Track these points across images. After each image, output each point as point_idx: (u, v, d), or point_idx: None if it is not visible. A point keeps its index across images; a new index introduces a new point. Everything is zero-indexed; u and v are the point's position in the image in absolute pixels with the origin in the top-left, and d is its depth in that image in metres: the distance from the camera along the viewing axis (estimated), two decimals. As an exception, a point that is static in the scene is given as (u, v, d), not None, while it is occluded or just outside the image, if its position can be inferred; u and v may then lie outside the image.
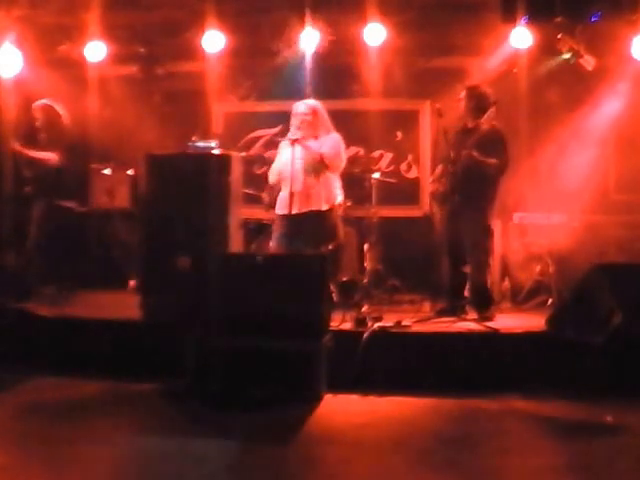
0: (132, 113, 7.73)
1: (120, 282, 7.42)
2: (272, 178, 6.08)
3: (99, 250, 7.88)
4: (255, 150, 7.91)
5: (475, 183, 5.83)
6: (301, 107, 5.98)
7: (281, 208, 5.96)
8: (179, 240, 5.44)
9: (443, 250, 5.99)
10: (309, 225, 5.85)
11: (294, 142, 5.79)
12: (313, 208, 5.88)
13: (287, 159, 5.90)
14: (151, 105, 8.07)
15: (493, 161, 5.79)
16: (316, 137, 5.91)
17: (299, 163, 5.86)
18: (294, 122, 5.96)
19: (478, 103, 5.98)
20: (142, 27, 7.69)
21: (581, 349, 4.79)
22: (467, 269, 5.95)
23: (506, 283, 6.98)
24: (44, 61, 7.58)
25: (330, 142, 5.92)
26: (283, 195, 5.97)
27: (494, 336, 5.24)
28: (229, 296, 4.88)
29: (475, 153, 5.72)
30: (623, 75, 7.19)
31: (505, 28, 7.05)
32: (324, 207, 5.93)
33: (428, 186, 6.65)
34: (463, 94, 6.02)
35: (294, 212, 5.84)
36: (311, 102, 6.06)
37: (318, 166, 5.88)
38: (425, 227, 6.19)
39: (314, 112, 5.95)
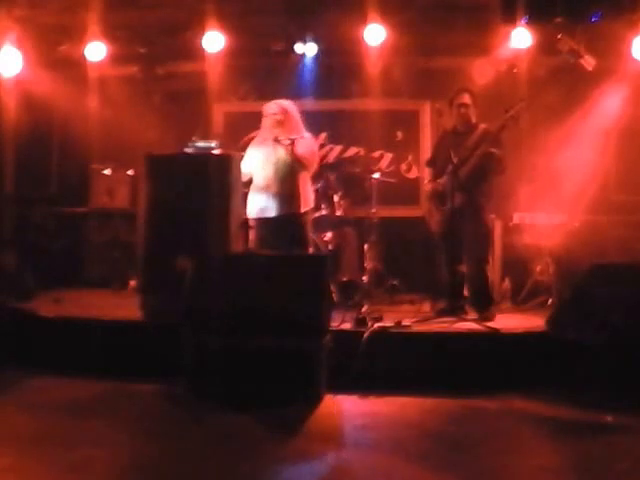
0: (132, 113, 7.73)
1: (120, 282, 7.43)
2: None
3: (99, 250, 7.89)
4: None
5: (477, 182, 5.85)
6: (272, 107, 5.91)
7: (258, 212, 5.93)
8: (179, 240, 5.44)
9: (440, 249, 5.99)
10: (287, 228, 5.83)
11: (275, 142, 5.76)
12: (292, 210, 5.86)
13: (260, 161, 5.87)
14: (151, 105, 8.07)
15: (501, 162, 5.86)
16: (289, 137, 5.79)
17: (276, 165, 5.84)
18: (266, 123, 5.91)
19: (475, 105, 6.03)
20: (142, 27, 7.68)
21: (581, 349, 4.79)
22: (463, 268, 5.96)
23: (506, 283, 6.98)
24: (44, 61, 7.58)
25: (304, 142, 5.88)
26: (258, 198, 5.94)
27: (494, 336, 5.23)
28: (229, 296, 4.88)
29: (494, 149, 5.73)
30: (623, 75, 7.20)
31: (505, 28, 7.06)
32: (303, 209, 5.91)
33: (424, 186, 6.65)
34: (466, 97, 6.01)
35: (273, 215, 5.83)
36: (282, 102, 5.98)
37: (296, 167, 5.85)
38: (425, 227, 6.18)
39: (285, 112, 5.88)
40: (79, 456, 3.65)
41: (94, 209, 8.02)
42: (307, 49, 7.64)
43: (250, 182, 6.00)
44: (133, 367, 5.08)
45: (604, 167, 7.46)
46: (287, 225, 5.85)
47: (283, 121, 5.85)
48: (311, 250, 6.11)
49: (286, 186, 5.84)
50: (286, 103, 5.98)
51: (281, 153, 5.83)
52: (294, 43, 7.59)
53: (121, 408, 4.56)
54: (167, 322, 5.13)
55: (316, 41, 7.61)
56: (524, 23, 6.95)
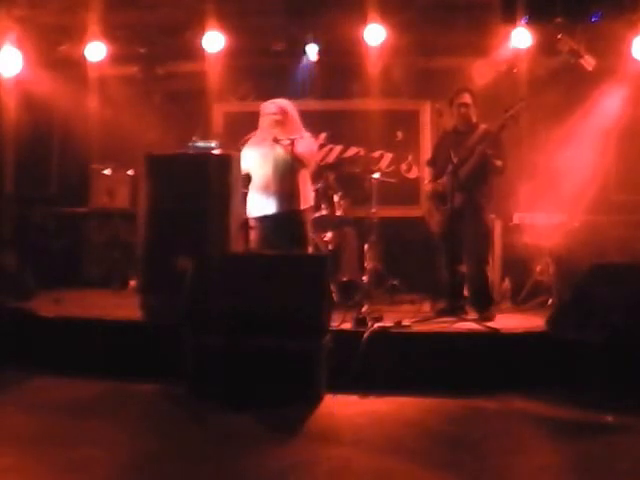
0: (132, 113, 7.74)
1: (120, 282, 7.43)
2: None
3: (99, 250, 7.89)
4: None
5: (477, 182, 5.86)
6: (270, 107, 5.91)
7: (258, 211, 5.94)
8: (179, 240, 5.44)
9: (440, 250, 5.99)
10: (288, 225, 5.84)
11: (275, 142, 5.77)
12: (292, 208, 5.86)
13: (258, 161, 5.87)
14: (151, 105, 8.07)
15: (500, 163, 5.85)
16: (289, 136, 5.79)
17: (275, 164, 5.85)
18: (263, 123, 5.91)
19: (476, 105, 6.04)
20: (142, 27, 7.69)
21: (581, 349, 4.79)
22: (463, 268, 5.96)
23: (506, 283, 6.98)
24: (44, 61, 7.59)
25: (304, 142, 5.88)
26: (258, 198, 5.94)
27: (494, 336, 5.23)
28: (229, 296, 4.88)
29: (489, 151, 5.73)
30: (623, 75, 7.20)
31: (505, 28, 7.06)
32: (302, 206, 5.92)
33: (424, 187, 6.65)
34: (467, 97, 6.02)
35: (273, 212, 5.84)
36: (280, 101, 5.97)
37: (295, 166, 5.85)
38: (425, 227, 6.19)
39: (283, 111, 5.88)
40: (79, 456, 3.65)
41: (94, 209, 8.02)
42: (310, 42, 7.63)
43: (249, 182, 6.00)
44: (133, 367, 5.08)
45: (604, 167, 7.46)
46: (287, 222, 5.85)
47: (282, 121, 5.85)
48: (311, 250, 6.11)
49: (285, 184, 5.85)
50: (284, 103, 5.97)
51: (280, 152, 5.83)
52: (305, 45, 7.58)
53: (121, 408, 4.56)
54: (167, 322, 5.13)
55: (316, 41, 7.60)
56: (524, 23, 6.95)
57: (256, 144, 5.99)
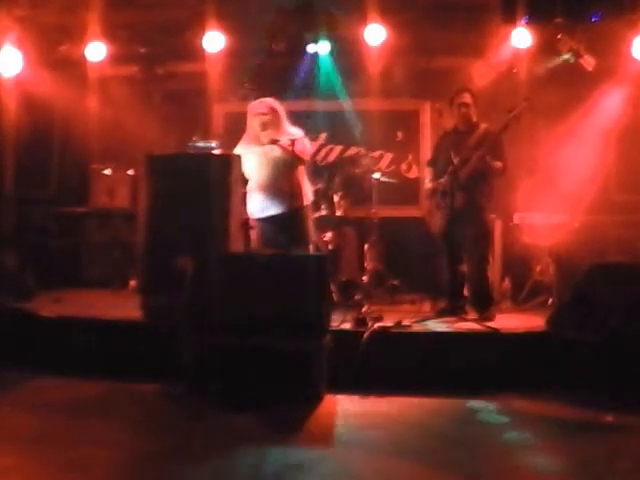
0: (132, 113, 7.74)
1: (120, 282, 7.43)
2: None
3: (99, 250, 7.89)
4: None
5: (478, 182, 5.86)
6: (259, 107, 5.89)
7: (260, 211, 5.94)
8: (179, 240, 5.44)
9: (441, 249, 5.99)
10: (291, 223, 5.84)
11: (274, 144, 5.76)
12: (295, 205, 5.87)
13: (255, 162, 5.87)
14: (151, 105, 8.07)
15: (500, 164, 5.84)
16: (287, 137, 5.78)
17: (274, 164, 5.84)
18: (253, 122, 5.88)
19: (476, 105, 6.04)
20: (142, 27, 7.69)
21: (581, 349, 4.79)
22: (464, 268, 5.96)
23: (506, 283, 6.99)
24: (44, 61, 7.59)
25: (302, 141, 5.87)
26: (260, 198, 5.94)
27: (494, 336, 5.24)
28: (229, 296, 4.88)
29: (487, 157, 5.74)
30: (623, 75, 7.20)
31: (505, 28, 7.07)
32: (305, 203, 5.93)
33: (425, 186, 6.65)
34: (467, 97, 6.02)
35: (278, 213, 5.84)
36: (269, 101, 5.94)
37: (294, 164, 5.84)
38: (425, 227, 6.19)
39: (273, 110, 5.86)
40: (79, 456, 3.65)
41: (94, 209, 8.03)
42: (319, 48, 7.62)
43: (246, 183, 5.99)
44: (133, 367, 5.07)
45: (604, 167, 7.46)
46: (291, 221, 5.85)
47: (272, 120, 5.83)
48: (311, 249, 6.11)
49: (286, 184, 5.84)
50: (272, 101, 5.94)
51: (277, 152, 5.82)
52: (305, 44, 7.58)
53: (121, 408, 4.56)
54: (167, 322, 5.13)
55: (316, 41, 7.61)
56: (524, 23, 6.96)
57: (249, 144, 5.94)
